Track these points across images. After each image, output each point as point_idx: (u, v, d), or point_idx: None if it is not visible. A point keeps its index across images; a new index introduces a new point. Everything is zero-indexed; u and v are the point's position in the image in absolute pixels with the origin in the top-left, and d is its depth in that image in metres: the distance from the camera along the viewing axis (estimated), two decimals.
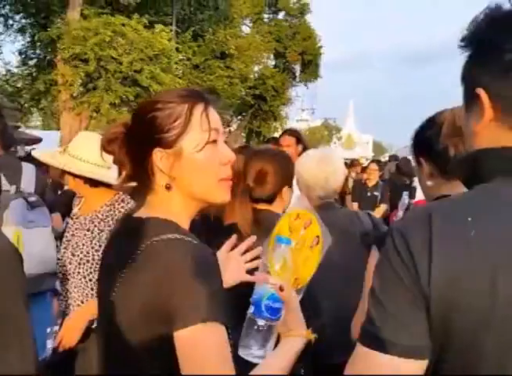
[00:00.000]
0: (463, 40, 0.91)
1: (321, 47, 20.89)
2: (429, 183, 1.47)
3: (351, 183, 7.91)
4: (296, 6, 20.69)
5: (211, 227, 2.12)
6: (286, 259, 1.35)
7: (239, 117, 20.24)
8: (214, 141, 1.14)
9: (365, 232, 2.55)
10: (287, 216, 1.49)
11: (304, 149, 4.00)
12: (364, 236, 2.41)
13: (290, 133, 4.44)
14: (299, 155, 3.25)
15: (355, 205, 7.23)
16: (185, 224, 1.16)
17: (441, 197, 1.36)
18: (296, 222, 1.49)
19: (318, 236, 1.48)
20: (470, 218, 0.80)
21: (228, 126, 20.25)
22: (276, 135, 21.82)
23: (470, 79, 0.92)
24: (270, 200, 2.03)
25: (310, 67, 20.92)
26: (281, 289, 1.26)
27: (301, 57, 20.42)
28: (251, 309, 1.31)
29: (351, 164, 10.49)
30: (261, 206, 2.02)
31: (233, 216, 1.99)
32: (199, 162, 1.12)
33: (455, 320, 0.78)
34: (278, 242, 1.37)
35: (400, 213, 6.71)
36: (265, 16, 20.77)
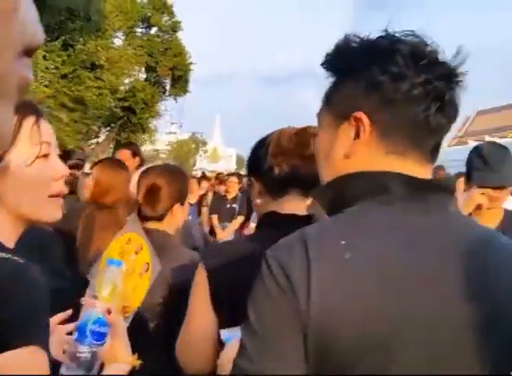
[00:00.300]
0: (331, 64, 0.92)
1: (191, 63, 21.63)
2: (258, 201, 1.47)
3: (210, 196, 8.26)
4: (168, 23, 21.28)
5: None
6: (116, 284, 1.30)
7: (108, 129, 20.33)
8: (46, 155, 1.08)
9: (195, 246, 2.69)
10: (119, 240, 1.52)
11: (141, 162, 4.08)
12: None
13: (126, 147, 4.44)
14: (136, 168, 3.35)
15: (215, 217, 7.44)
16: (11, 242, 1.06)
17: (269, 213, 1.40)
18: (127, 246, 1.52)
19: (148, 263, 1.49)
20: (343, 242, 0.79)
21: (97, 137, 20.25)
22: (145, 147, 22.08)
23: (343, 102, 0.91)
24: (160, 218, 1.94)
25: (180, 82, 21.51)
26: (108, 312, 1.25)
27: (171, 72, 20.92)
28: (75, 335, 1.26)
29: (216, 177, 10.68)
30: (151, 224, 1.92)
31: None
32: (27, 177, 1.05)
33: (333, 348, 0.75)
34: (109, 264, 1.34)
35: (252, 225, 6.71)
36: (138, 30, 21.09)
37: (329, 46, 0.90)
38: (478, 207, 2.32)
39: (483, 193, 2.30)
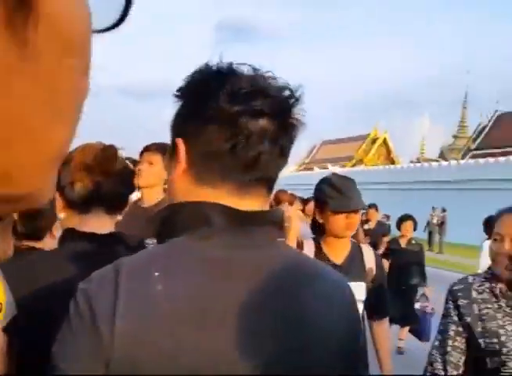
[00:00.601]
0: (178, 90, 0.90)
1: None
2: (61, 216, 1.43)
3: None
4: None
5: None
6: None
7: None
8: None
9: None
10: None
11: None
12: None
13: None
14: None
15: None
16: None
17: (68, 229, 1.34)
18: None
19: (1, 303, 1.25)
20: (157, 273, 0.78)
21: None
22: None
23: (174, 128, 0.90)
24: (38, 236, 1.76)
25: None
26: None
27: None
28: None
29: None
30: (26, 243, 1.73)
31: None
32: None
33: None
34: None
35: None
36: None
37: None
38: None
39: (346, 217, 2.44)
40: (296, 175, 44.08)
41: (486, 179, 22.22)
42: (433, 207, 19.65)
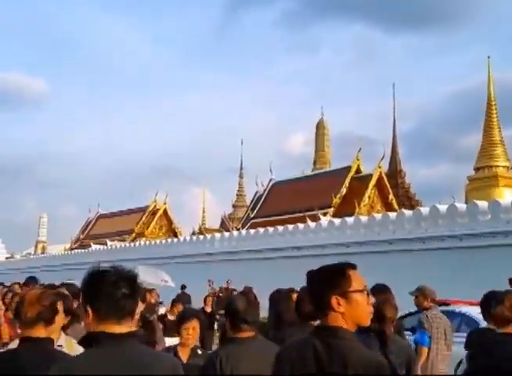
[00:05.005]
0: None
1: None
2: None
3: None
4: None
5: None
6: None
7: None
8: None
9: None
10: None
11: None
12: None
13: None
14: None
15: None
16: None
17: None
18: None
19: None
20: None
21: None
22: None
23: None
24: None
25: None
26: None
27: None
28: None
29: None
30: None
31: None
32: None
33: None
34: None
35: None
36: None
37: None
38: None
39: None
40: (71, 253, 41.71)
41: (267, 249, 23.24)
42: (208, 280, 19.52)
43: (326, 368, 2.08)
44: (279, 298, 4.47)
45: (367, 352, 2.16)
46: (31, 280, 6.30)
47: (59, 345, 3.23)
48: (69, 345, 3.37)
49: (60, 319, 3.14)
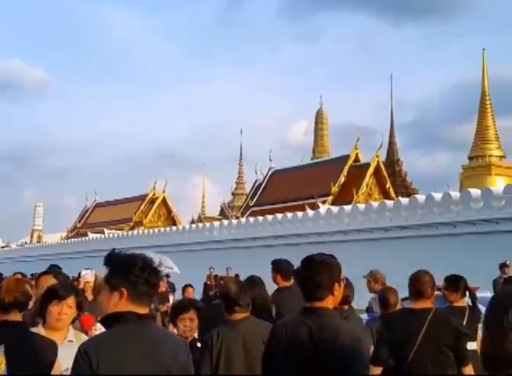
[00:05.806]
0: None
1: None
2: None
3: None
4: None
5: None
6: None
7: None
8: None
9: None
10: None
11: None
12: None
13: None
14: None
15: None
16: None
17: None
18: None
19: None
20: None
21: None
22: None
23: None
24: None
25: None
26: None
27: None
28: None
29: None
30: None
31: None
32: None
33: None
34: None
35: None
36: None
37: None
38: None
39: None
40: (68, 242, 41.95)
41: (267, 236, 23.77)
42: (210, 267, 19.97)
43: (318, 342, 2.67)
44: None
45: (351, 326, 2.91)
46: (54, 268, 6.54)
47: (69, 341, 3.50)
48: (78, 339, 3.51)
49: (70, 313, 3.52)
